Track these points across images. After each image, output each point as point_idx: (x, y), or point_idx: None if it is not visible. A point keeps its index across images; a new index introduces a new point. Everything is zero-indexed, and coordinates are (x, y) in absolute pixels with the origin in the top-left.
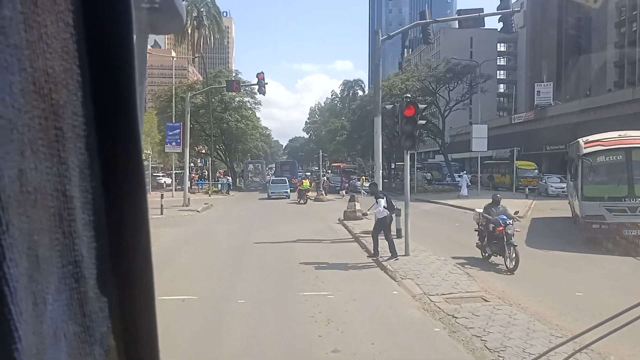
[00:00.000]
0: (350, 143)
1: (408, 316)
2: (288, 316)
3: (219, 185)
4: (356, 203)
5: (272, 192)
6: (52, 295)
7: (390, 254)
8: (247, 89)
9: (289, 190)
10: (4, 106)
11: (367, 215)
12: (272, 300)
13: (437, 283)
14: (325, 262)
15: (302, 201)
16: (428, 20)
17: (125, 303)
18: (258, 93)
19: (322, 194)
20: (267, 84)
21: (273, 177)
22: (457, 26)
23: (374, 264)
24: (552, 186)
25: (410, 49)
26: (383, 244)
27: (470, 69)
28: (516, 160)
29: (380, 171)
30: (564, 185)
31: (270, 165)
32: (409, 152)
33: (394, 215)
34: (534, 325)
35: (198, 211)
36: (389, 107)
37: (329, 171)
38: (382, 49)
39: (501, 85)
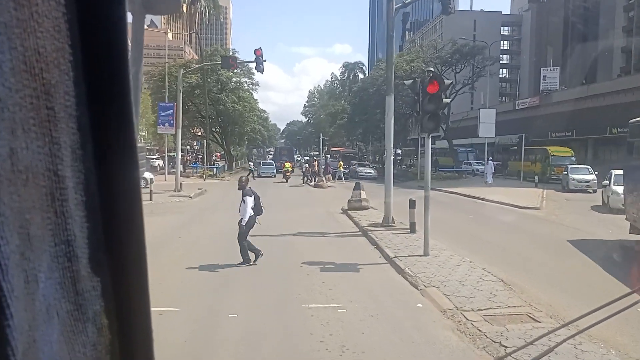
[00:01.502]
0: (351, 127)
1: (442, 342)
2: (291, 340)
3: (214, 169)
4: (361, 192)
5: (262, 172)
6: (45, 273)
7: (242, 260)
8: (244, 68)
9: (275, 171)
10: None
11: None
12: (270, 314)
13: (470, 293)
14: (331, 262)
15: (284, 179)
16: None
17: (118, 282)
18: (256, 71)
19: (322, 180)
20: (265, 61)
21: (262, 161)
22: (459, 8)
23: (388, 264)
24: (573, 179)
25: (412, 32)
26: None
27: (478, 50)
28: (548, 146)
29: (392, 157)
30: (590, 178)
31: (268, 149)
32: (430, 135)
33: (258, 218)
34: None
35: (190, 197)
36: (408, 82)
37: (328, 156)
38: (393, 19)
39: (503, 70)
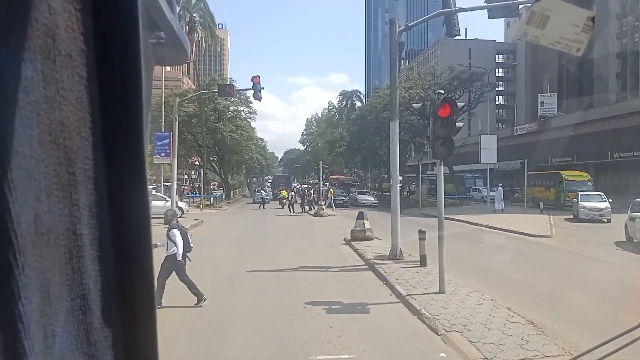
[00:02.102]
0: (349, 154)
1: None
2: None
3: (212, 199)
4: (365, 221)
5: (257, 198)
6: (61, 327)
7: (200, 298)
8: (241, 97)
9: (268, 197)
10: (24, 158)
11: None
12: None
13: (498, 339)
14: (338, 302)
15: (280, 205)
16: (452, 10)
17: (128, 332)
18: (253, 99)
19: (322, 209)
20: (262, 88)
21: (257, 188)
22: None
23: (401, 303)
24: (584, 207)
25: (407, 61)
26: None
27: (477, 76)
28: (564, 170)
29: (398, 184)
30: (603, 206)
31: (267, 177)
32: (441, 163)
33: (188, 255)
34: None
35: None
36: (417, 106)
37: (327, 184)
38: (396, 42)
39: (500, 97)
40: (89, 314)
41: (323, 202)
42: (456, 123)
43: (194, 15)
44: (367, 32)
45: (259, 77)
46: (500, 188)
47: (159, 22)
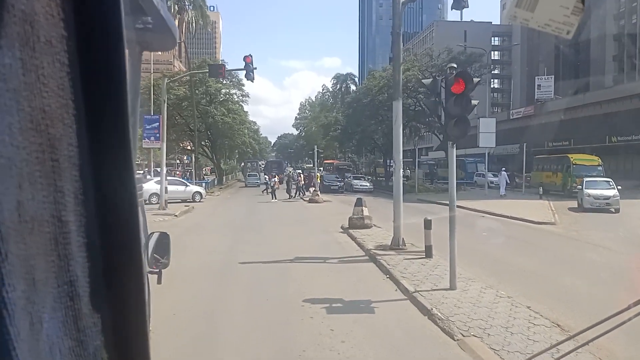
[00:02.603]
0: (344, 138)
1: None
2: None
3: (204, 184)
4: (363, 208)
5: (248, 182)
6: (48, 314)
7: None
8: (233, 79)
9: (259, 181)
10: (4, 146)
11: None
12: None
13: (524, 346)
14: (338, 299)
15: (269, 190)
16: None
17: (118, 318)
18: (246, 80)
19: (317, 194)
20: (255, 68)
21: (248, 173)
22: (449, 19)
23: (409, 301)
24: (589, 194)
25: (402, 43)
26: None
27: (475, 57)
28: (572, 154)
29: (401, 170)
30: (610, 193)
31: (261, 162)
32: (454, 144)
33: None
34: None
35: (176, 215)
36: (427, 81)
37: (321, 168)
38: (400, 15)
39: (495, 81)
40: (77, 300)
41: (317, 188)
42: (472, 101)
43: None
44: (360, 14)
45: (251, 56)
46: (503, 172)
47: (145, 7)
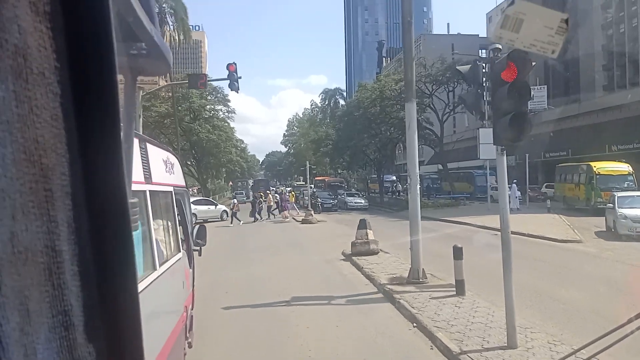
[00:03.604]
0: (335, 154)
1: None
2: None
3: None
4: (368, 231)
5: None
6: (42, 345)
7: None
8: (218, 94)
9: (245, 199)
10: None
11: None
12: None
13: None
14: None
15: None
16: None
17: (114, 347)
18: (230, 90)
19: (311, 214)
20: (240, 78)
21: (236, 192)
22: (436, 31)
23: None
24: (625, 216)
25: (389, 58)
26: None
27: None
28: (595, 162)
29: (418, 186)
30: None
31: (250, 181)
32: (504, 152)
33: None
34: None
35: None
36: (463, 68)
37: (312, 186)
38: (410, 2)
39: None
40: (72, 330)
41: (310, 208)
42: (530, 90)
43: (164, 5)
44: (346, 31)
45: (235, 64)
46: (514, 185)
47: (138, 33)
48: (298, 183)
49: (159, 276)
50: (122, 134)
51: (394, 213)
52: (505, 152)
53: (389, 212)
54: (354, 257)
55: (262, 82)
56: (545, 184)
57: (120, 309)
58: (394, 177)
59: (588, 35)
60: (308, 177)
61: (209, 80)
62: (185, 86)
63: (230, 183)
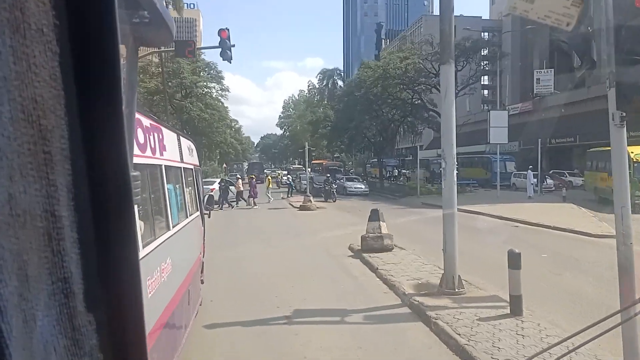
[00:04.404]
0: (334, 135)
1: None
2: None
3: None
4: (381, 223)
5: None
6: (42, 311)
7: None
8: (212, 71)
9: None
10: None
11: None
12: None
13: None
14: None
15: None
16: None
17: (114, 316)
18: (222, 59)
19: (310, 200)
20: (233, 46)
21: (230, 174)
22: (437, 13)
23: None
24: None
25: (388, 40)
26: None
27: (483, 44)
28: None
29: (455, 171)
30: None
31: (245, 164)
32: (624, 121)
33: None
34: None
35: None
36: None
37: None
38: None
39: (484, 78)
40: (72, 298)
41: (309, 193)
42: None
43: None
44: (345, 11)
45: (228, 30)
46: (530, 172)
47: (142, 1)
48: (295, 166)
49: (188, 222)
50: (124, 103)
51: (397, 199)
52: (625, 125)
53: (392, 199)
54: (364, 254)
55: (257, 64)
56: (568, 172)
57: (121, 279)
58: (396, 162)
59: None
60: (307, 160)
61: (198, 48)
62: (176, 62)
63: (225, 165)
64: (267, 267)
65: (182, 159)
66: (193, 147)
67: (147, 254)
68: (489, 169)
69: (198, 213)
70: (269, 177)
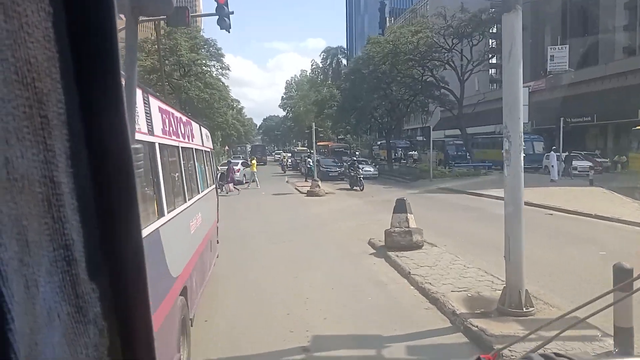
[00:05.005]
0: (341, 116)
1: None
2: None
3: None
4: (409, 216)
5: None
6: (44, 278)
7: None
8: (211, 47)
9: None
10: None
11: None
12: None
13: None
14: None
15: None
16: None
17: (117, 283)
18: (220, 28)
19: (318, 185)
20: (232, 13)
21: (234, 157)
22: None
23: None
24: None
25: (393, 18)
26: None
27: (496, 20)
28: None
29: (522, 152)
30: None
31: (248, 146)
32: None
33: None
34: None
35: None
36: None
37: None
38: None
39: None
40: (74, 265)
41: (317, 178)
42: None
43: None
44: None
45: None
46: (553, 153)
47: None
48: (299, 148)
49: (208, 192)
50: (124, 75)
51: (408, 183)
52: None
53: (403, 182)
54: (390, 253)
55: (259, 45)
56: (598, 152)
57: (123, 246)
58: (407, 143)
59: None
60: (314, 141)
61: (192, 16)
62: (172, 38)
63: (227, 147)
64: (273, 270)
65: (203, 143)
66: (209, 134)
67: (188, 207)
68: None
69: (214, 186)
70: (254, 161)
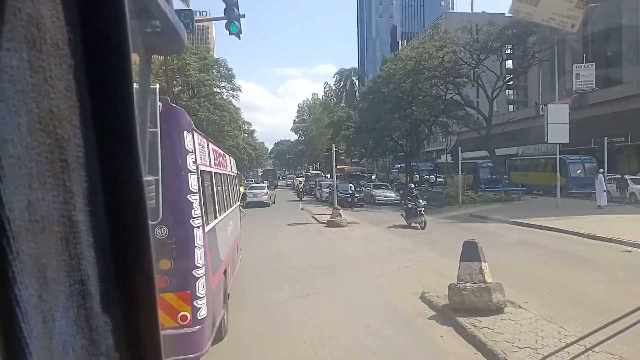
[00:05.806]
0: (358, 138)
1: None
2: None
3: None
4: (483, 265)
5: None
6: (60, 312)
7: None
8: (221, 68)
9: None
10: (13, 146)
11: None
12: None
13: None
14: None
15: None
16: None
17: (129, 317)
18: (229, 33)
19: (339, 215)
20: (243, 16)
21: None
22: (457, 9)
23: None
24: None
25: (406, 41)
26: None
27: (531, 29)
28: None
29: None
30: None
31: (260, 170)
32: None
33: None
34: None
35: None
36: None
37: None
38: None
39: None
40: (89, 299)
41: (337, 206)
42: None
43: None
44: (359, 14)
45: None
46: (600, 175)
47: (153, 11)
48: (313, 172)
49: (235, 207)
50: (137, 112)
51: (435, 210)
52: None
53: (429, 208)
54: (460, 319)
55: (270, 71)
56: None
57: (136, 280)
58: (430, 166)
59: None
60: (334, 164)
61: (197, 21)
62: (180, 58)
63: (238, 172)
64: (293, 344)
65: (232, 170)
66: (234, 161)
67: (227, 215)
68: (564, 173)
69: (239, 203)
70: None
